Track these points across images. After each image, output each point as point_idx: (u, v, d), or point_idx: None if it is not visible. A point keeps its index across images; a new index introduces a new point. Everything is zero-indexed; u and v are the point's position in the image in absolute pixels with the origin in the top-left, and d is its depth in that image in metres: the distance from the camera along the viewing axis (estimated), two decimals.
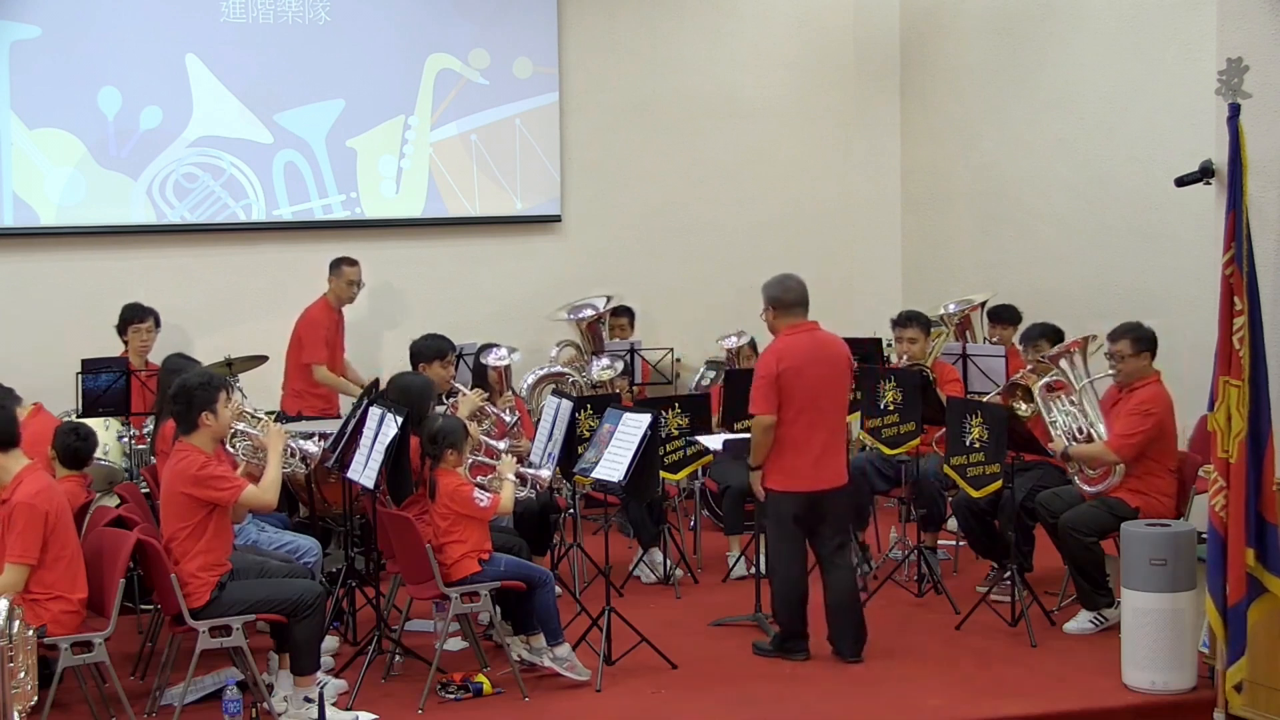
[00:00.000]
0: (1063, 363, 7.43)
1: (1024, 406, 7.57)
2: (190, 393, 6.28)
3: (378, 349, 10.44)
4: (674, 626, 7.48)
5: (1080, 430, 7.34)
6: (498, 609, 7.00)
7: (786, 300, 7.00)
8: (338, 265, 9.61)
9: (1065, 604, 7.63)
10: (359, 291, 9.71)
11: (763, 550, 7.69)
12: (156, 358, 9.19)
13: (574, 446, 7.43)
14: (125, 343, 9.31)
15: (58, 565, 6.04)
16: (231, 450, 6.64)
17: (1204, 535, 6.39)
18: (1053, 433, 7.41)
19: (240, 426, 6.60)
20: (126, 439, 8.64)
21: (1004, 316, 9.58)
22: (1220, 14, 6.99)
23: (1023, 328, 8.94)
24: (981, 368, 8.84)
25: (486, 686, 6.63)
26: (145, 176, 10.16)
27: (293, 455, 6.84)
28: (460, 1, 10.74)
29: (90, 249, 10.14)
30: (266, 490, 6.39)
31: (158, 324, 9.38)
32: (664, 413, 7.76)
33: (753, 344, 9.67)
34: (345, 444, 7.09)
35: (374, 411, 6.95)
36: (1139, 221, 9.33)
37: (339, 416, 8.99)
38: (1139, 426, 7.11)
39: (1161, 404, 7.19)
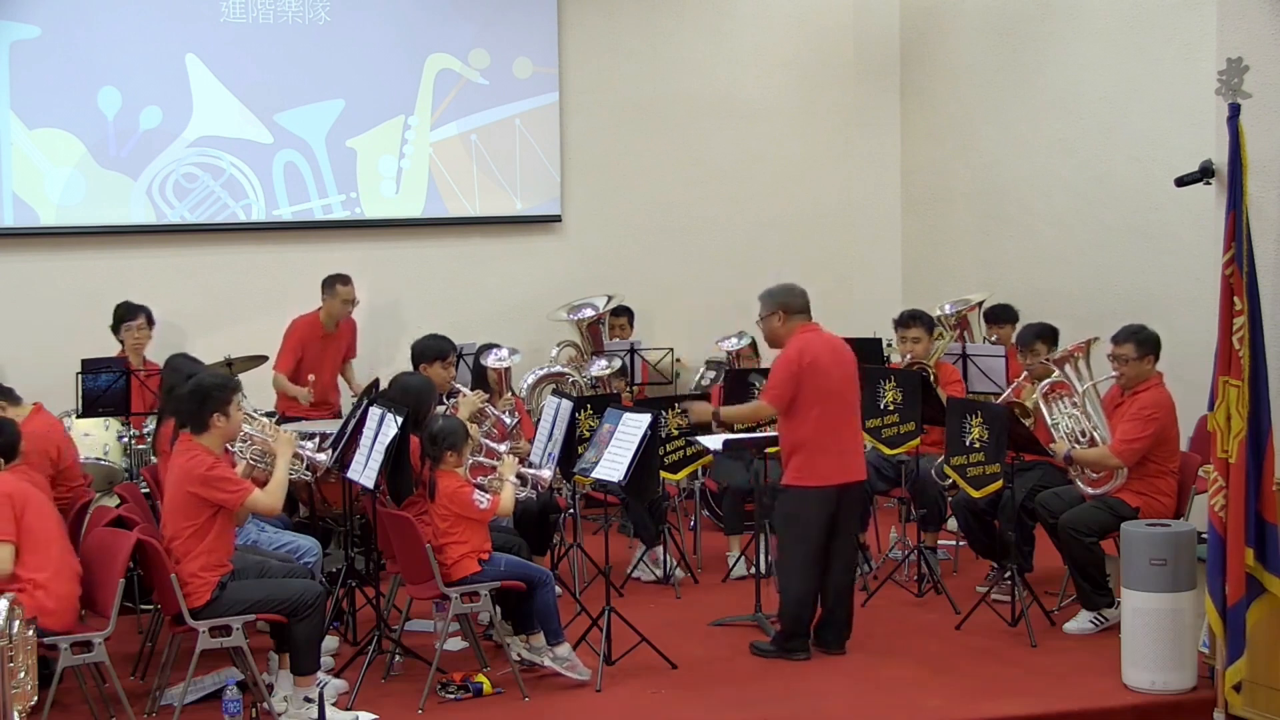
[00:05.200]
0: (1066, 368, 7.42)
1: (1026, 423, 7.53)
2: (206, 392, 6.29)
3: (377, 350, 10.44)
4: (674, 626, 7.47)
5: (1083, 433, 7.34)
6: (498, 609, 7.00)
7: (795, 305, 7.10)
8: (331, 284, 9.60)
9: (1065, 604, 7.63)
10: (353, 309, 9.72)
11: (763, 549, 7.70)
12: (154, 356, 9.20)
13: (574, 446, 7.43)
14: (120, 341, 9.32)
15: (38, 548, 6.03)
16: (237, 453, 6.63)
17: (1204, 535, 6.40)
18: (1055, 435, 7.41)
19: (249, 429, 6.60)
20: (126, 439, 8.64)
21: (1001, 316, 9.60)
22: (1220, 14, 6.99)
23: (1020, 326, 8.95)
24: (981, 368, 8.85)
25: (486, 686, 6.63)
26: (145, 176, 10.16)
27: (298, 460, 6.81)
28: (460, 1, 10.74)
29: (90, 249, 10.14)
30: (272, 495, 6.40)
31: (150, 321, 9.38)
32: (664, 413, 7.76)
33: (753, 345, 9.65)
34: (345, 444, 7.10)
35: (374, 412, 6.95)
36: (1139, 221, 9.33)
37: (338, 417, 9.01)
38: (1142, 431, 7.11)
39: (1164, 408, 7.18)
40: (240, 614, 6.22)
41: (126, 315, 9.33)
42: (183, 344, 9.50)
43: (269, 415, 8.66)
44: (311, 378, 9.41)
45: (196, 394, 6.31)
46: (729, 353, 9.67)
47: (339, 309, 9.61)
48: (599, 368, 9.43)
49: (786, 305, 7.09)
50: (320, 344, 9.58)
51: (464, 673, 6.75)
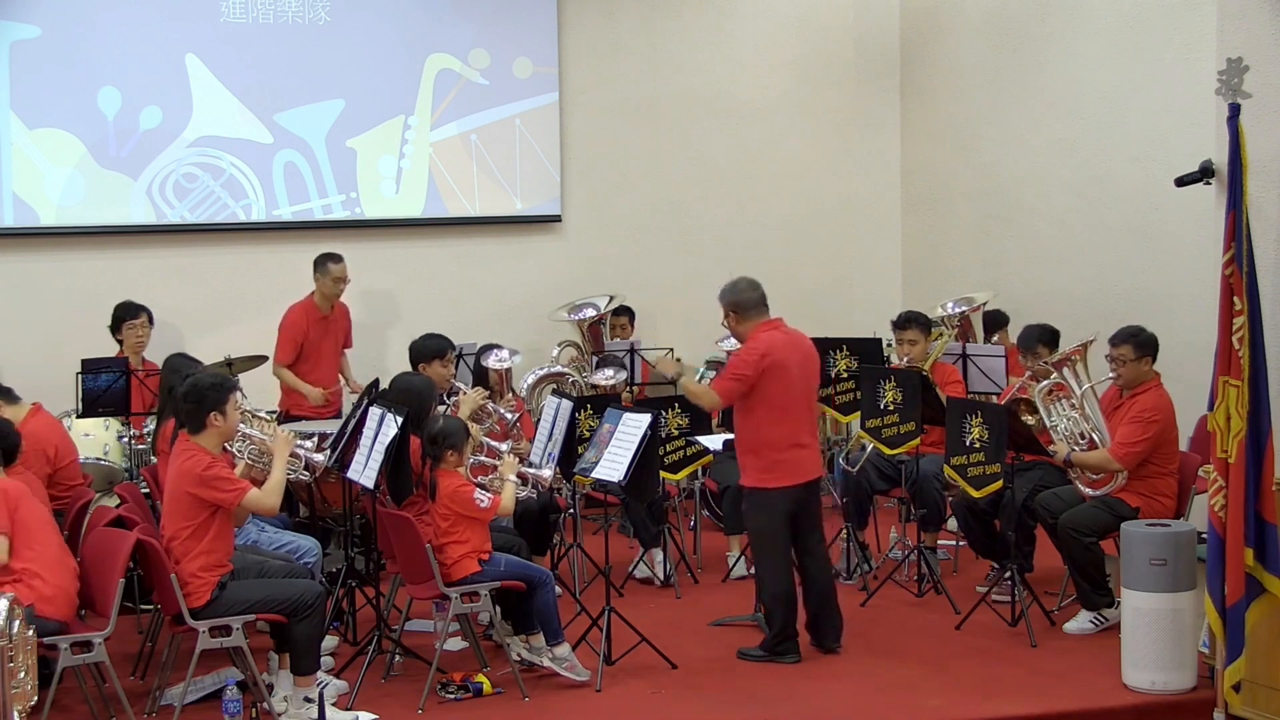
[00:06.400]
0: (1065, 370, 7.42)
1: (1031, 420, 7.54)
2: (202, 392, 6.29)
3: (378, 349, 10.44)
4: (674, 626, 7.48)
5: (1082, 435, 7.34)
6: (498, 609, 7.00)
7: (746, 303, 7.01)
8: (323, 263, 9.54)
9: (1065, 604, 7.63)
10: (345, 287, 9.65)
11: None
12: (154, 356, 9.20)
13: (574, 446, 7.43)
14: (120, 341, 9.32)
15: (33, 542, 6.04)
16: (235, 452, 6.63)
17: (1204, 535, 6.40)
18: (1054, 437, 7.41)
19: (245, 429, 6.60)
20: (126, 439, 8.64)
21: (998, 322, 9.64)
22: (1220, 14, 7.00)
23: (1017, 326, 8.96)
24: (981, 368, 8.84)
25: (486, 686, 6.64)
26: (145, 176, 10.15)
27: (296, 460, 6.81)
28: (460, 1, 10.74)
29: (90, 249, 10.14)
30: (269, 494, 6.39)
31: (151, 321, 9.40)
32: (664, 413, 7.76)
33: None
34: (345, 444, 7.10)
35: (374, 411, 6.95)
36: (1139, 221, 9.33)
37: (339, 416, 9.00)
38: (1142, 435, 7.11)
39: (1163, 410, 7.18)
40: (240, 614, 6.22)
41: (126, 315, 9.33)
42: (182, 344, 9.50)
43: (271, 414, 8.67)
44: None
45: (193, 394, 6.31)
46: (728, 353, 9.64)
47: (331, 288, 9.54)
48: (604, 377, 9.37)
49: (736, 305, 7.02)
50: (320, 327, 9.52)
51: (464, 673, 6.75)
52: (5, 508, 6.04)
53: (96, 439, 8.56)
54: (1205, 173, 7.05)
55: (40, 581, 6.00)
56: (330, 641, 7.08)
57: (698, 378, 10.43)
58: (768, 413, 6.87)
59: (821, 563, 7.12)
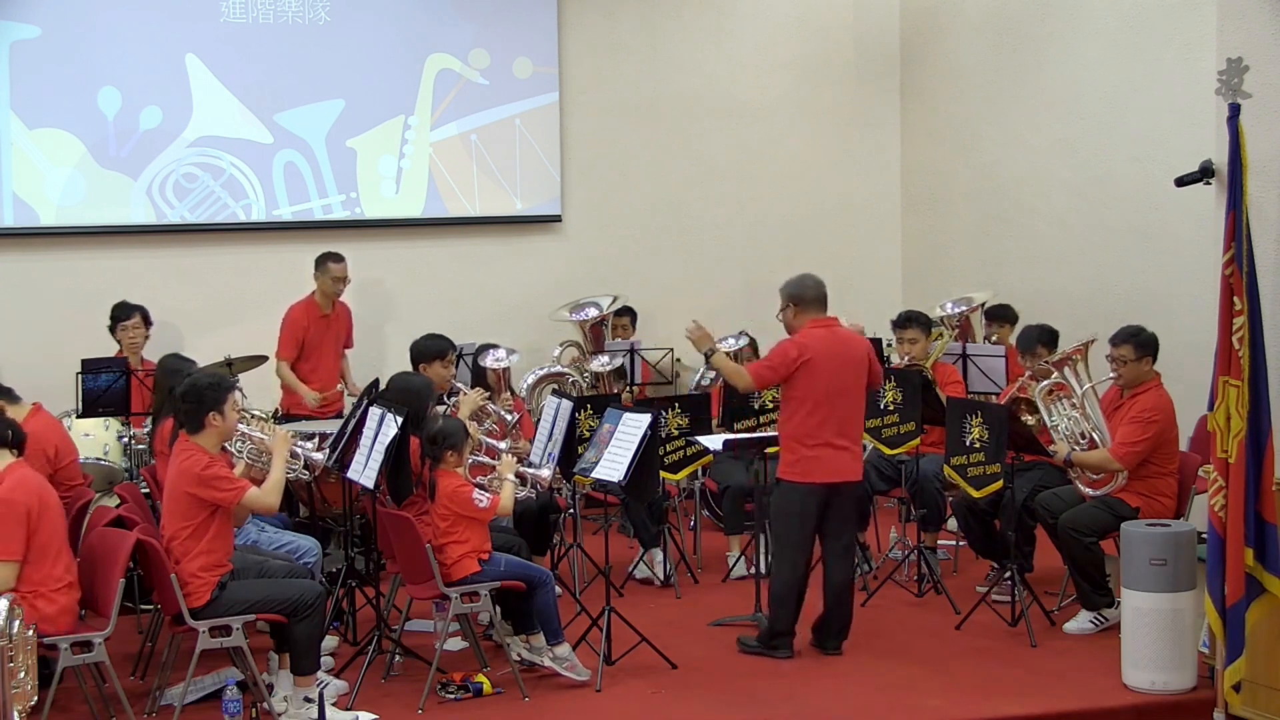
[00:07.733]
0: (1065, 370, 7.42)
1: (1031, 419, 7.54)
2: (200, 392, 6.28)
3: (378, 349, 10.43)
4: (674, 626, 7.48)
5: (1082, 435, 7.34)
6: (498, 609, 7.00)
7: (806, 297, 7.09)
8: (323, 262, 9.57)
9: (1065, 604, 7.63)
10: (345, 287, 9.67)
11: (763, 549, 7.70)
12: (153, 356, 9.20)
13: (574, 446, 7.43)
14: (118, 341, 9.33)
15: (44, 561, 5.99)
16: (234, 452, 6.63)
17: (1204, 535, 6.40)
18: (1055, 437, 7.41)
19: (244, 429, 6.60)
20: (126, 439, 8.64)
21: (1001, 315, 9.60)
22: (1220, 14, 7.00)
23: (1019, 326, 8.96)
24: (981, 368, 8.84)
25: (486, 686, 6.64)
26: (145, 176, 10.16)
27: (295, 459, 6.81)
28: (460, 1, 10.74)
29: (90, 249, 10.14)
30: (269, 494, 6.39)
31: (146, 321, 9.41)
32: (664, 413, 7.76)
33: (753, 345, 9.68)
34: (345, 444, 7.09)
35: (374, 411, 6.95)
36: (1139, 221, 9.33)
37: (340, 415, 9.00)
38: (1142, 435, 7.11)
39: (1163, 410, 7.18)
40: (240, 614, 6.22)
41: (122, 315, 9.35)
42: (182, 344, 9.51)
43: (274, 413, 8.67)
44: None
45: (191, 394, 6.30)
46: (729, 353, 9.63)
47: (331, 287, 9.56)
48: (599, 364, 9.43)
49: (797, 298, 7.11)
50: (320, 326, 9.54)
51: (464, 673, 6.75)
52: (23, 527, 5.94)
53: (96, 439, 8.56)
54: (1205, 173, 7.05)
55: (44, 602, 5.96)
56: (330, 641, 7.08)
57: (697, 377, 10.44)
58: (797, 408, 6.93)
59: (841, 567, 7.07)
